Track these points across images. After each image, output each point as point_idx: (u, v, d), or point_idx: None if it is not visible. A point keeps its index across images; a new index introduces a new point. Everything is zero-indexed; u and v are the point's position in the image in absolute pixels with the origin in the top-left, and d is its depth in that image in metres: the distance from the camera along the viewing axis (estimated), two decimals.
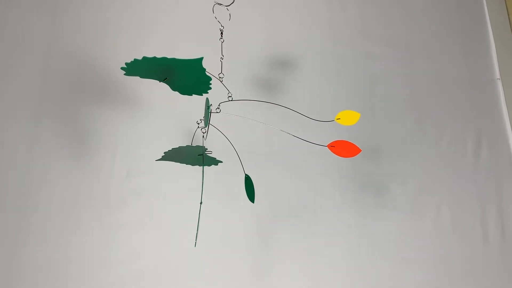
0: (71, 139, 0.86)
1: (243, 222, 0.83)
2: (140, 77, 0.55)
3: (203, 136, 0.61)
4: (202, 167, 0.63)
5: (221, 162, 0.68)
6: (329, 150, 0.56)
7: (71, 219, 0.81)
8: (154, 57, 0.51)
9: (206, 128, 0.59)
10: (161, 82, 0.56)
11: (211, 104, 0.57)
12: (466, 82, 0.94)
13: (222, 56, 0.61)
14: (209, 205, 0.83)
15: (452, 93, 0.94)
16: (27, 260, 0.79)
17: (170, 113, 0.88)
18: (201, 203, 0.59)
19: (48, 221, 0.81)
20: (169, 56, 0.51)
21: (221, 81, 0.60)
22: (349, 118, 0.54)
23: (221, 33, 0.62)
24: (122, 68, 0.52)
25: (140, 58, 0.51)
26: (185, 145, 0.64)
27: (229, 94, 0.60)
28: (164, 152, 0.63)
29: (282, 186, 0.85)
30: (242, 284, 0.80)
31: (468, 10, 1.00)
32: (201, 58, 0.52)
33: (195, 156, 0.65)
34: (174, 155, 0.64)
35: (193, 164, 0.69)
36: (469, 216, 0.85)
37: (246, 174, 0.63)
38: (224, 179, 0.84)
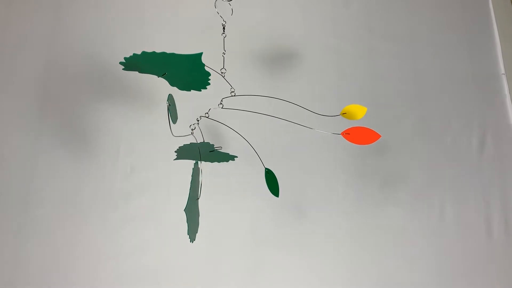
0: (75, 135, 0.86)
1: (246, 217, 0.83)
2: (139, 72, 0.54)
3: (192, 133, 0.60)
4: (195, 162, 0.61)
5: (236, 157, 0.67)
6: (344, 139, 0.53)
7: (76, 215, 0.82)
8: (153, 52, 0.50)
9: (171, 125, 0.57)
10: (159, 78, 0.55)
11: (168, 102, 0.55)
12: (470, 77, 0.94)
13: (224, 51, 0.61)
14: (212, 202, 0.82)
15: (456, 88, 0.93)
16: (32, 256, 0.79)
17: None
18: (197, 198, 0.58)
19: (53, 217, 0.81)
20: (172, 52, 0.50)
21: (223, 77, 0.59)
22: (355, 112, 0.53)
23: (223, 28, 0.61)
24: (121, 63, 0.51)
25: (136, 53, 0.50)
26: (189, 143, 0.63)
27: (232, 90, 0.59)
28: (176, 151, 0.62)
29: (285, 182, 0.85)
30: (245, 278, 0.80)
31: (472, 5, 0.99)
32: (200, 54, 0.51)
33: (206, 152, 0.64)
34: (187, 152, 0.63)
35: (205, 161, 0.68)
36: (473, 212, 0.85)
37: (266, 168, 0.62)
38: (226, 175, 0.84)
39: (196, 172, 0.59)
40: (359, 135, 0.54)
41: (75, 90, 0.89)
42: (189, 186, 0.58)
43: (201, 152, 0.64)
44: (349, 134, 0.54)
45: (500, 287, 0.81)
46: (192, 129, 0.61)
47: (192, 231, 0.59)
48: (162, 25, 0.94)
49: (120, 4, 0.95)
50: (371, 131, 0.54)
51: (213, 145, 0.63)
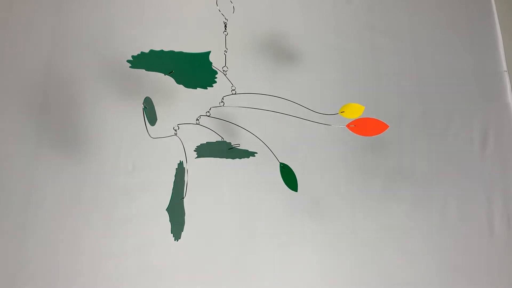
0: (76, 134, 0.86)
1: (247, 215, 0.83)
2: (146, 70, 0.55)
3: (175, 134, 0.60)
4: (179, 162, 0.61)
5: (256, 153, 0.67)
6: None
7: (77, 214, 0.82)
8: (161, 50, 0.51)
9: (147, 127, 0.57)
10: (166, 76, 0.56)
11: (144, 104, 0.55)
12: (472, 74, 0.93)
13: (226, 49, 0.61)
14: (214, 199, 0.83)
15: (458, 85, 0.93)
16: (33, 255, 0.79)
17: (174, 107, 0.87)
18: (182, 198, 0.59)
19: (54, 215, 0.81)
20: (173, 49, 0.51)
21: (225, 75, 0.60)
22: (353, 111, 0.53)
23: (225, 26, 0.62)
24: (128, 61, 0.52)
25: (144, 52, 0.51)
26: (206, 142, 0.63)
27: (233, 88, 0.60)
28: (195, 150, 0.62)
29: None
30: (247, 275, 0.80)
31: (474, 1, 0.98)
32: (208, 52, 0.52)
33: (225, 150, 0.64)
34: (206, 151, 0.62)
35: (226, 157, 0.69)
36: (475, 209, 0.85)
37: (281, 163, 0.61)
38: (225, 173, 0.84)
39: (180, 172, 0.59)
40: (365, 127, 0.53)
41: (76, 89, 0.89)
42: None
43: (221, 150, 0.64)
44: (354, 126, 0.53)
45: (502, 284, 0.81)
46: (175, 130, 0.61)
47: (176, 231, 0.60)
48: (163, 23, 0.94)
49: (121, 3, 0.95)
50: (378, 121, 0.53)
51: (230, 143, 0.63)
